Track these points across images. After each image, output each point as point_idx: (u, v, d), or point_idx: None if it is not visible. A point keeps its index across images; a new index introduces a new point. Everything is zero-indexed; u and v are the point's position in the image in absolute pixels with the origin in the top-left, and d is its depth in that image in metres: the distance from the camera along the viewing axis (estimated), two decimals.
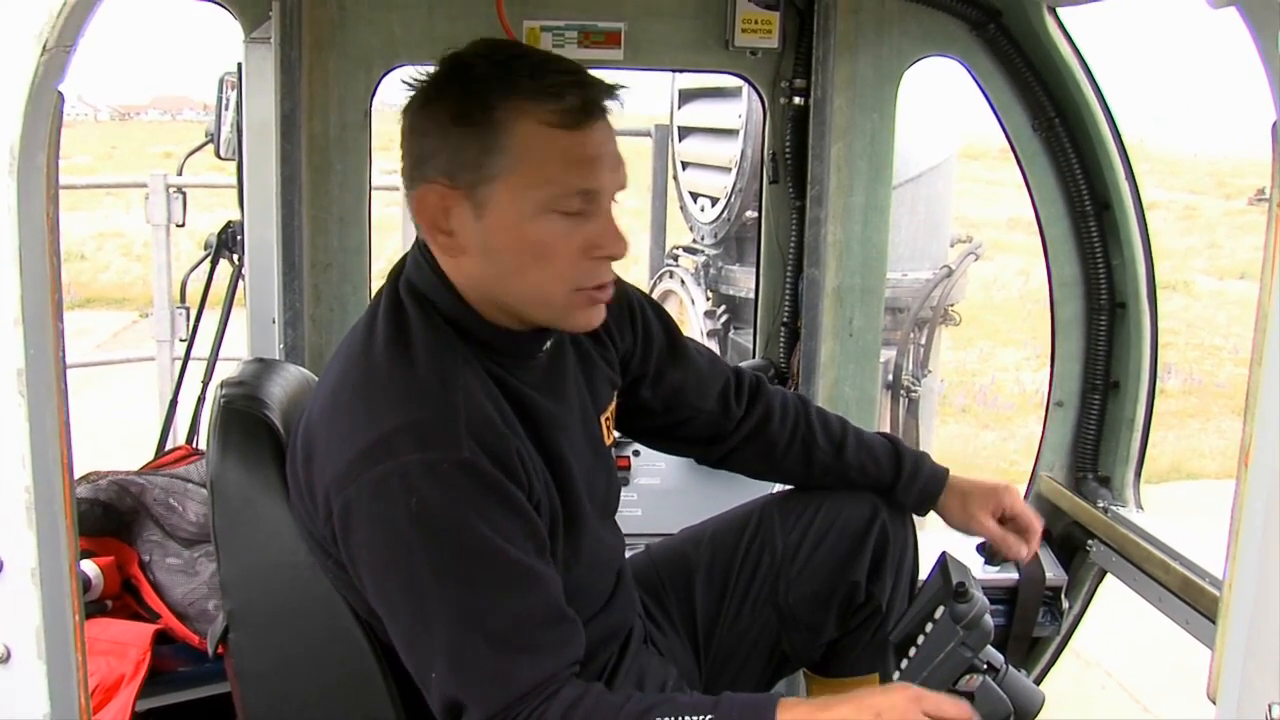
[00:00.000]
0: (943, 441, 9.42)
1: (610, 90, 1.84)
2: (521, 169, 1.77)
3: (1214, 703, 1.21)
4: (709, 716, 1.71)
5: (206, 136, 4.44)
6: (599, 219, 1.83)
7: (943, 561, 2.20)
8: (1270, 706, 1.06)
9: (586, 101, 1.80)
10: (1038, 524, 2.43)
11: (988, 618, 2.04)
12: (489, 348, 1.90)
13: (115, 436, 6.49)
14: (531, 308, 1.87)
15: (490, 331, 1.89)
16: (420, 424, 1.74)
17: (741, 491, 2.65)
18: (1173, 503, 7.74)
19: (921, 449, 5.16)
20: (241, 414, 2.03)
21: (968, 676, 1.97)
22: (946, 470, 2.48)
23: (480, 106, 1.77)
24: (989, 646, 2.05)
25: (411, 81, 1.86)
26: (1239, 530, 1.17)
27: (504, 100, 1.77)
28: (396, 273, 1.95)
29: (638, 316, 2.26)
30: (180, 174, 5.90)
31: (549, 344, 1.97)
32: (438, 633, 1.72)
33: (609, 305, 1.98)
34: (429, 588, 1.71)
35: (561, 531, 1.92)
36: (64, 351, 1.27)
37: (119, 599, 2.93)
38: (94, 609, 2.86)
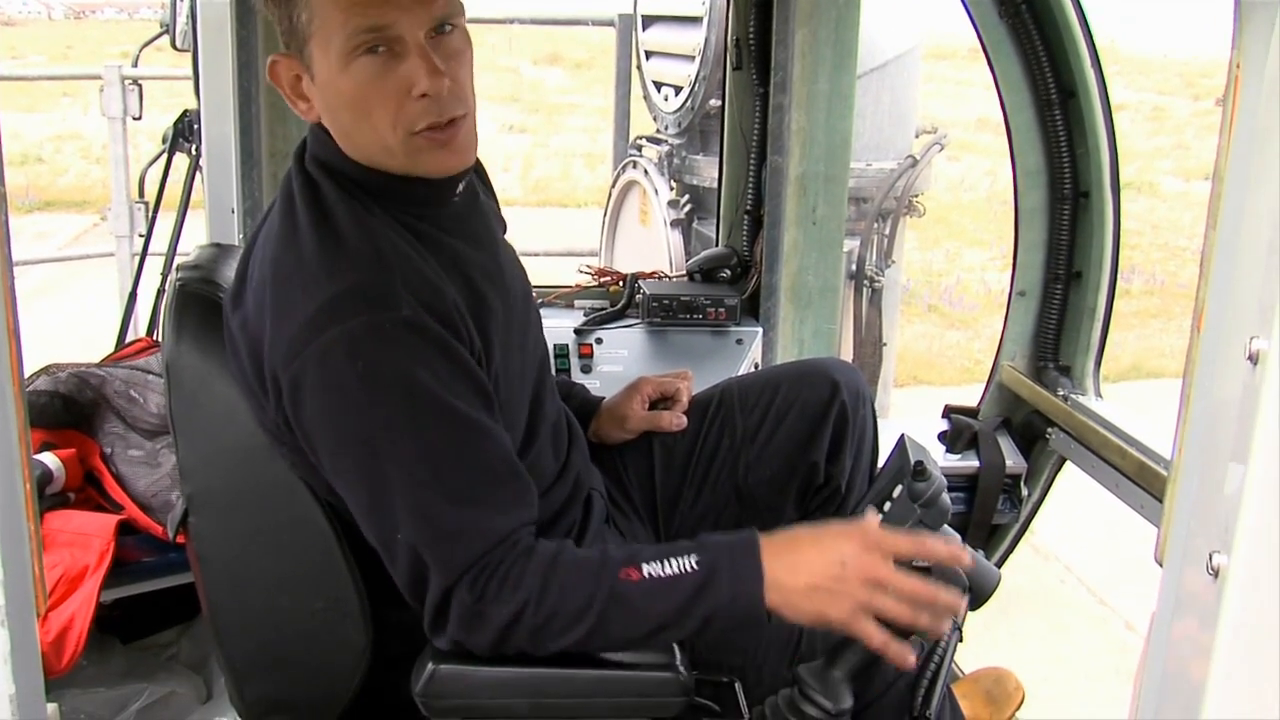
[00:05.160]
0: (908, 340, 9.47)
1: None
2: (318, 23, 1.76)
3: (1161, 565, 1.23)
4: (693, 557, 1.73)
5: (162, 28, 4.35)
6: (410, 58, 1.77)
7: (901, 442, 2.20)
8: (1210, 555, 1.08)
9: None
10: (677, 381, 2.48)
11: (945, 496, 2.05)
12: (404, 201, 1.88)
13: (80, 335, 6.43)
14: (382, 158, 1.84)
15: (398, 184, 1.87)
16: (357, 288, 1.73)
17: (705, 378, 2.65)
18: (1134, 400, 7.81)
19: (885, 342, 5.22)
20: (197, 297, 2.01)
21: None
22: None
23: None
24: (947, 526, 2.06)
25: None
26: (1190, 394, 1.18)
27: None
28: (300, 152, 1.94)
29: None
30: (135, 65, 5.80)
31: (461, 188, 1.95)
32: (397, 495, 1.72)
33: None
34: (382, 449, 1.71)
35: (502, 383, 1.91)
36: (9, 238, 1.24)
37: (81, 491, 2.92)
38: (56, 501, 2.85)
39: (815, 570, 1.72)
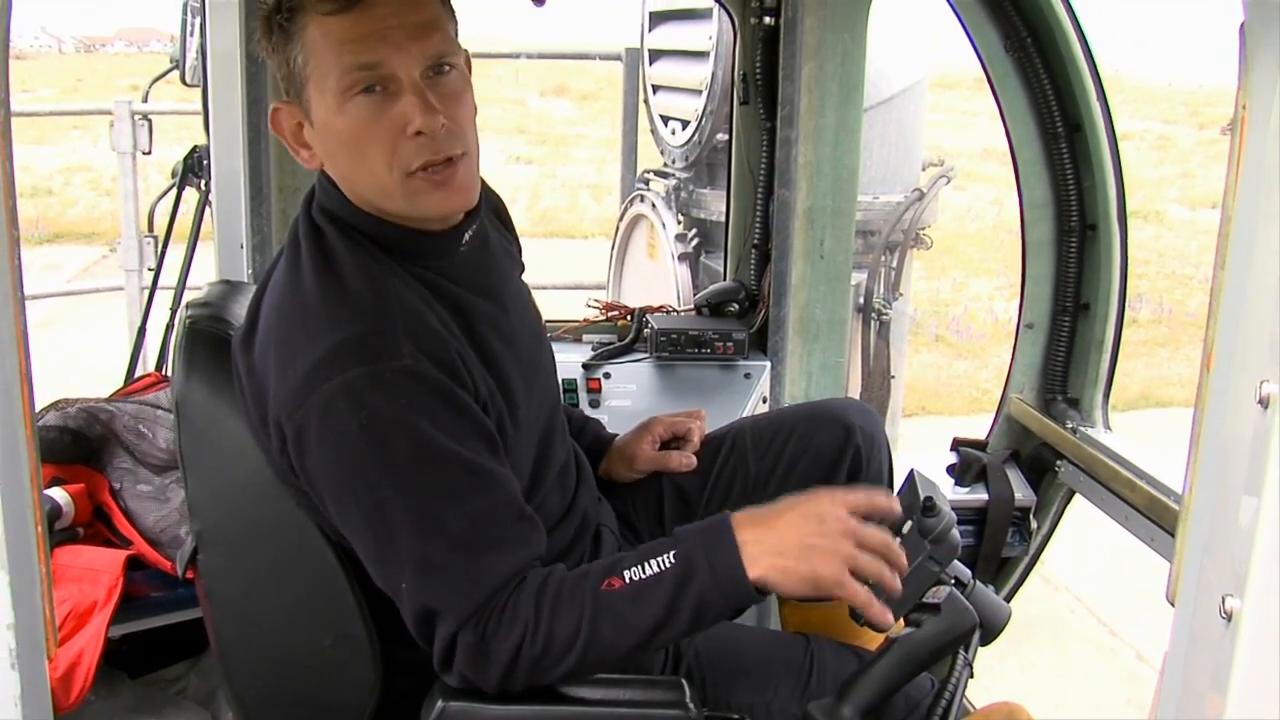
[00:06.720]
0: (916, 370, 9.45)
1: None
2: (313, 65, 1.78)
3: (1173, 604, 1.22)
4: (671, 553, 1.74)
5: (171, 63, 4.38)
6: (405, 96, 1.78)
7: (911, 478, 2.20)
8: (1224, 598, 1.08)
9: None
10: (689, 421, 2.47)
11: (955, 532, 2.04)
12: (410, 252, 1.89)
13: (88, 369, 6.45)
14: (382, 201, 1.85)
15: (404, 235, 1.88)
16: (358, 337, 1.74)
17: (713, 412, 2.64)
18: (1142, 429, 7.80)
19: (893, 375, 5.20)
20: (206, 334, 2.02)
21: (934, 588, 1.98)
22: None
23: (279, 22, 1.80)
24: (957, 561, 2.06)
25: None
26: (1200, 433, 1.18)
27: (290, 7, 1.78)
28: (309, 199, 1.95)
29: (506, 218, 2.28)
30: (145, 100, 5.83)
31: (469, 236, 1.95)
32: (402, 543, 1.72)
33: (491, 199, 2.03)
34: (387, 498, 1.72)
35: (509, 430, 1.91)
36: (20, 270, 1.24)
37: (90, 526, 2.92)
38: (65, 536, 2.85)
39: (801, 529, 1.74)
